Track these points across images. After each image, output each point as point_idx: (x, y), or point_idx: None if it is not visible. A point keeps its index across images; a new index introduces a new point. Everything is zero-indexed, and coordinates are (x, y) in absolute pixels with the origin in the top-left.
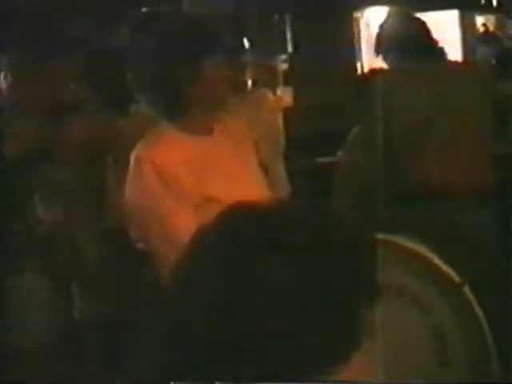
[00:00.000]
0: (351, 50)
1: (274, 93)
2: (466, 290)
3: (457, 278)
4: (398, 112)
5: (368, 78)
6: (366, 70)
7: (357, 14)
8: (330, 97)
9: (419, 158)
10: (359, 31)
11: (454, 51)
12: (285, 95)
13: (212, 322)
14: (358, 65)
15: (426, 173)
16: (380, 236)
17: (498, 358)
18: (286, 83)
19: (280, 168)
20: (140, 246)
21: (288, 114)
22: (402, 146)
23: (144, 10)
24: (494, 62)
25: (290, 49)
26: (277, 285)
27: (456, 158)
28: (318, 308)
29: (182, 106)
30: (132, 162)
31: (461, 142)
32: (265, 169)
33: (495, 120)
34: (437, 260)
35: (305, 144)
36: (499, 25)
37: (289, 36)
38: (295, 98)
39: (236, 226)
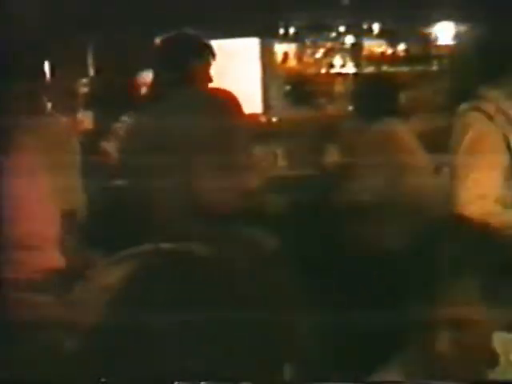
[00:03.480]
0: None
1: (74, 117)
2: None
3: None
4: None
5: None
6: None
7: (156, 40)
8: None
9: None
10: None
11: (253, 79)
12: (85, 119)
13: None
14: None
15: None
16: None
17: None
18: (87, 107)
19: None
20: None
21: (89, 137)
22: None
23: None
24: None
25: (91, 73)
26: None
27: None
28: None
29: None
30: None
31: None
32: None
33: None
34: None
35: (103, 167)
36: (299, 53)
37: (90, 60)
38: (95, 121)
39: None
